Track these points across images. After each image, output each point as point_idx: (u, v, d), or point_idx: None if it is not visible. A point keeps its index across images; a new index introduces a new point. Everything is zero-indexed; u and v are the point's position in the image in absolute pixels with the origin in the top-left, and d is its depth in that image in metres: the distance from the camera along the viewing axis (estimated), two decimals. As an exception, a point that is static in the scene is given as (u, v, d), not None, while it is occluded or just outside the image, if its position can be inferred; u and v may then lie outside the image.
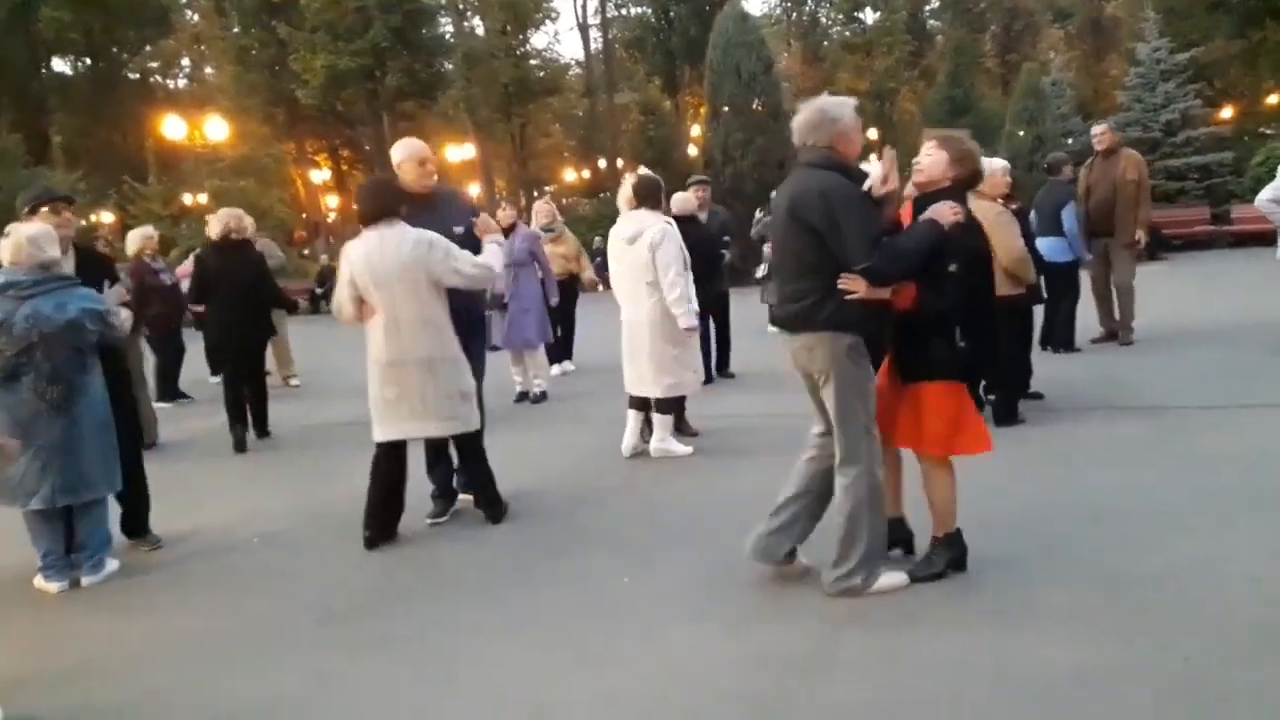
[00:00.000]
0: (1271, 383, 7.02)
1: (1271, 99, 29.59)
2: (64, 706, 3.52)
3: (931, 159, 3.87)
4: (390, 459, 5.05)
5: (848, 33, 40.94)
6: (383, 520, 5.07)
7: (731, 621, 3.78)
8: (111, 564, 4.92)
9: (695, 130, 32.41)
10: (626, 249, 6.32)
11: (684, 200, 8.63)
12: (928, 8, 44.76)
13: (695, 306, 6.38)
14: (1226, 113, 26.48)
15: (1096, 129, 9.66)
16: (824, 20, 44.30)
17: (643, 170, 7.17)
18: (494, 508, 5.32)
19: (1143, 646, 3.23)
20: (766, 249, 11.88)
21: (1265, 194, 8.18)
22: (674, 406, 6.61)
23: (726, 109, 21.09)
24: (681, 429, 6.94)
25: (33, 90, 36.56)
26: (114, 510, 5.22)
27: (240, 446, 7.89)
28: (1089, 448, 5.81)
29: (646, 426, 6.65)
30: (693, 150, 30.27)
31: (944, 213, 3.68)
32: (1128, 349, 9.08)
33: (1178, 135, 20.43)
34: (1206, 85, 21.81)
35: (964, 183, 3.94)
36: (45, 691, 3.64)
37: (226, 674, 3.69)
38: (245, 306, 8.03)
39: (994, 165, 6.35)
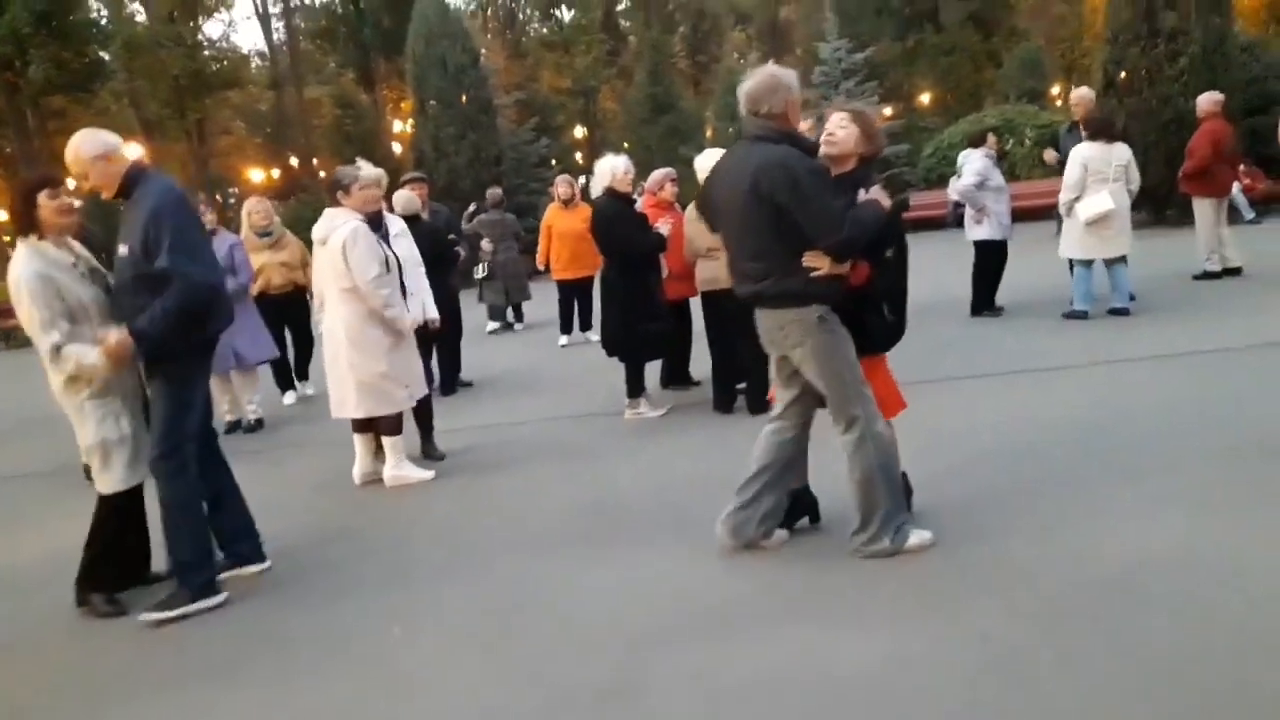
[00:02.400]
0: (969, 352, 7.61)
1: (924, 97, 33.02)
2: None
3: (846, 132, 3.79)
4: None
5: (545, 30, 41.06)
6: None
7: (524, 659, 3.31)
8: None
9: (398, 126, 31.05)
10: (320, 251, 5.57)
11: (408, 199, 7.96)
12: (619, 7, 45.86)
13: (406, 311, 5.78)
14: (891, 109, 29.16)
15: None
16: (520, 16, 44.14)
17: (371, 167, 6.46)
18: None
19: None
20: (485, 245, 11.41)
21: (966, 179, 8.86)
22: (399, 426, 5.87)
23: (434, 103, 20.20)
24: (429, 453, 6.32)
25: None
26: None
27: None
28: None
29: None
30: (398, 147, 29.00)
31: (882, 197, 3.69)
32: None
33: (859, 130, 22.03)
34: (879, 85, 23.72)
35: (871, 159, 3.90)
36: None
37: None
38: None
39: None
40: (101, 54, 29.46)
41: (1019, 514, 4.16)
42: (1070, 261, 8.68)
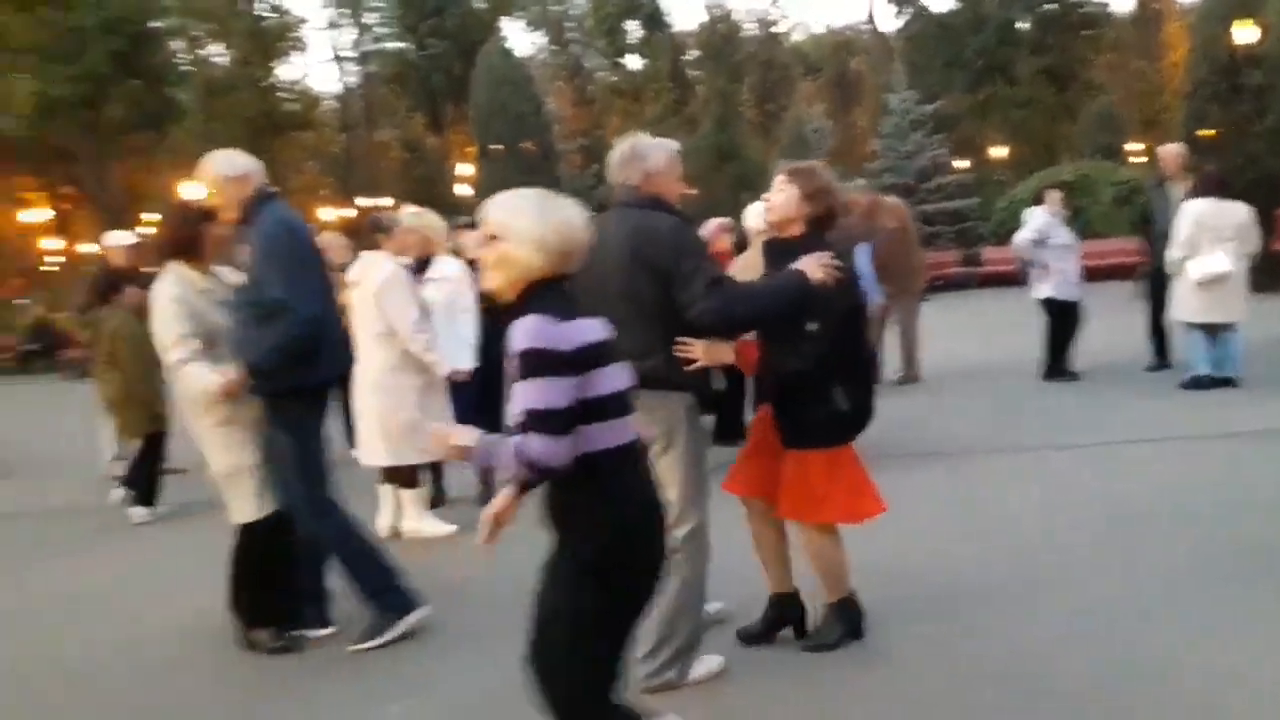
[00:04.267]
0: (1050, 421, 7.08)
1: (998, 150, 32.38)
2: None
3: (783, 195, 3.41)
4: None
5: (614, 77, 41.41)
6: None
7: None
8: None
9: (462, 169, 31.40)
10: (355, 293, 5.38)
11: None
12: (684, 57, 46.11)
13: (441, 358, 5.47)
14: (963, 162, 28.62)
15: (853, 198, 9.53)
16: (587, 65, 44.63)
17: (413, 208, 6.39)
18: None
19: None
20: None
21: (1025, 234, 8.53)
22: (414, 479, 5.62)
23: (496, 147, 20.26)
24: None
25: None
26: None
27: None
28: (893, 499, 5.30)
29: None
30: (464, 189, 29.26)
31: (812, 267, 3.17)
32: (907, 388, 9.00)
33: (930, 181, 21.61)
34: (948, 136, 23.35)
35: (819, 221, 3.42)
36: None
37: None
38: None
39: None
40: (178, 94, 30.31)
41: (1089, 613, 3.62)
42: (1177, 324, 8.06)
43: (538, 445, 2.15)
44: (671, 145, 3.46)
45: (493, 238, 2.30)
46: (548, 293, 2.27)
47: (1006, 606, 3.80)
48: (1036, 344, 8.70)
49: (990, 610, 3.77)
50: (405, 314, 5.19)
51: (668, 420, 3.23)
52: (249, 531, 4.04)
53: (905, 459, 6.29)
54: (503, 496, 2.48)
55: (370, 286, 5.23)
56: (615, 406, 2.27)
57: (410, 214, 6.40)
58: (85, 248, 25.48)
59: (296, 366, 3.82)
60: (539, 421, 2.15)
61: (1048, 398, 7.96)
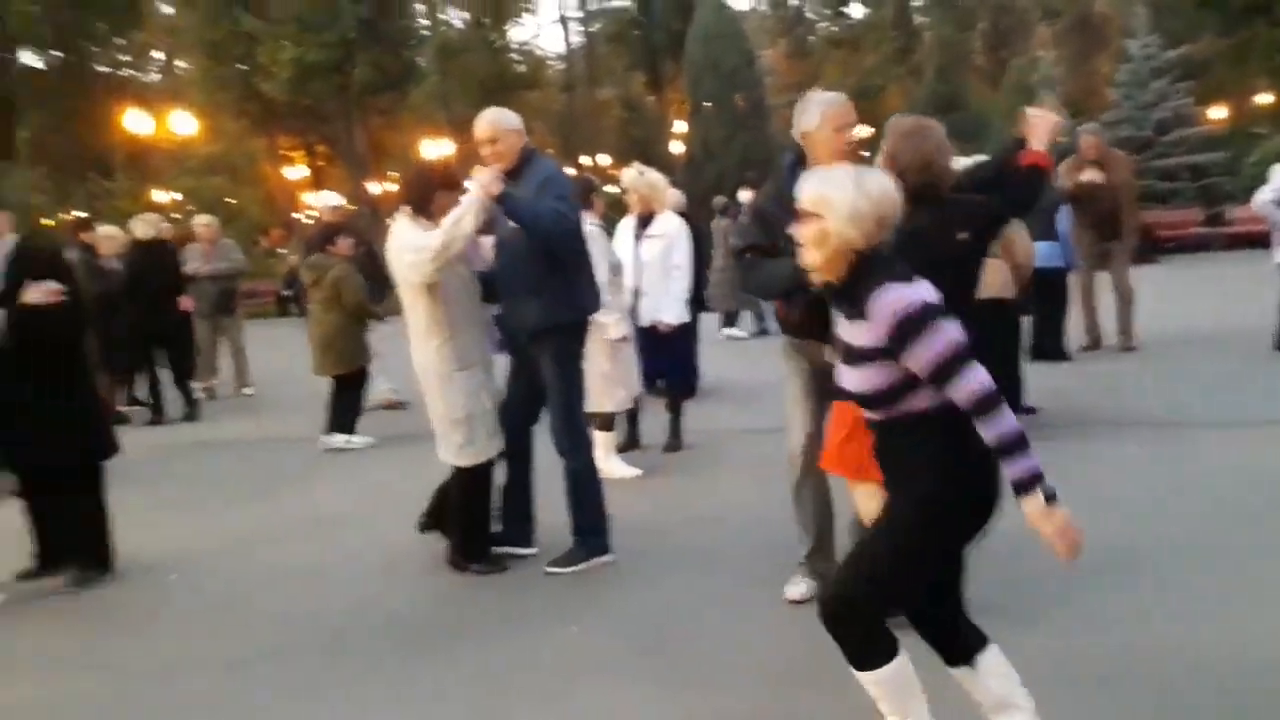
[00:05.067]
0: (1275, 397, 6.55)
1: (1262, 98, 29.15)
2: None
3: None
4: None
5: (834, 28, 40.38)
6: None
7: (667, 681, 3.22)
8: None
9: (679, 126, 31.78)
10: None
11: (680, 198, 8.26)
12: (915, 3, 44.21)
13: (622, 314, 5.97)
14: (1217, 112, 26.02)
15: (1086, 139, 9.05)
16: (809, 15, 43.70)
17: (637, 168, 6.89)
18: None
19: None
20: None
21: (1264, 194, 7.93)
22: (609, 424, 6.07)
23: (707, 104, 20.44)
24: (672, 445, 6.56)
25: (1, 86, 35.53)
26: None
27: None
28: (1096, 470, 5.17)
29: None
30: (678, 147, 29.66)
31: None
32: (1123, 356, 8.60)
33: (1170, 134, 19.93)
34: (1196, 84, 21.30)
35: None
36: None
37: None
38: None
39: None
40: (416, 58, 32.39)
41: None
42: None
43: (981, 377, 2.21)
44: (833, 99, 3.46)
45: (809, 215, 2.36)
46: (881, 262, 2.34)
47: (1181, 589, 3.70)
48: (1274, 312, 8.05)
49: (1163, 591, 3.70)
50: (596, 271, 5.54)
51: None
52: (471, 475, 4.38)
53: (1105, 427, 6.12)
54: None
55: None
56: None
57: (633, 172, 6.81)
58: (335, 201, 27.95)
59: (549, 245, 4.20)
60: (965, 358, 2.22)
61: (1276, 371, 7.40)
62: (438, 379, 4.31)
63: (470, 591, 4.34)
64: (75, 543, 4.69)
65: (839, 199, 2.32)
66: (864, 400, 2.42)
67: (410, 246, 4.19)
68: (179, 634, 4.11)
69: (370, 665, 3.62)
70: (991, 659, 2.46)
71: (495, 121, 4.31)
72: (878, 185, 2.36)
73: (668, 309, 6.67)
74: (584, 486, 4.44)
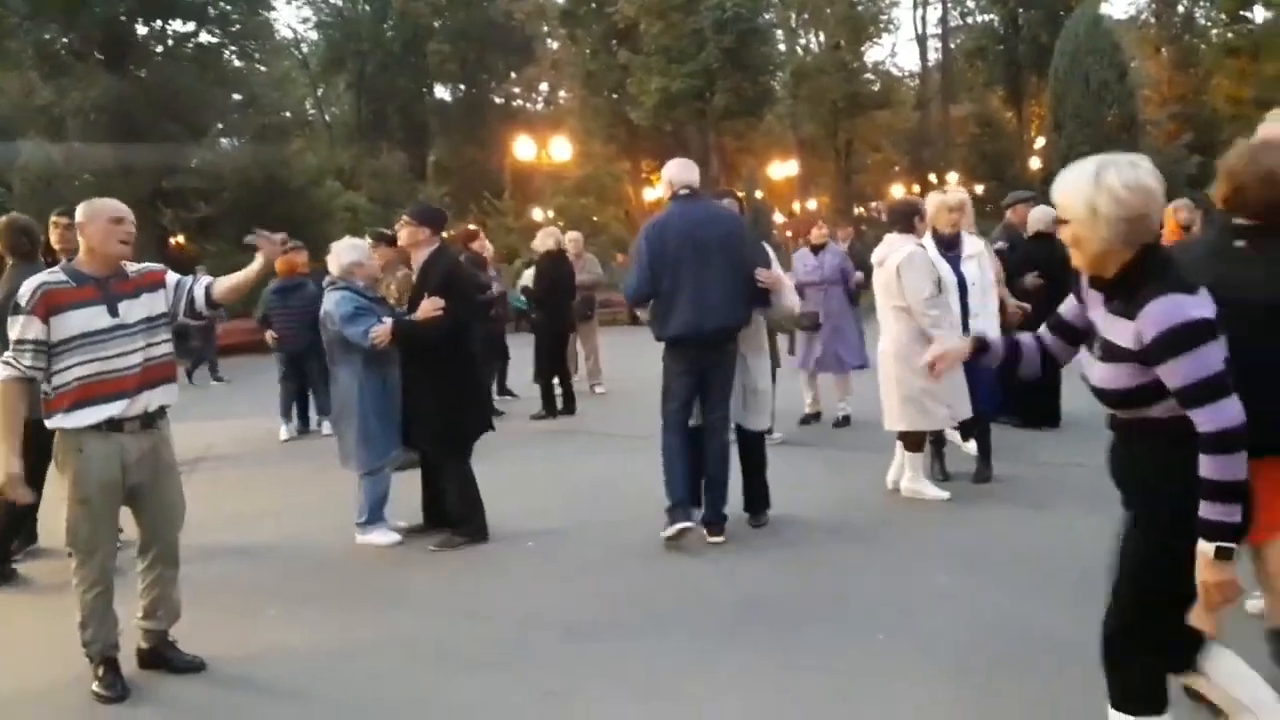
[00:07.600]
0: None
1: None
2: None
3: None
4: None
5: (1230, 34, 36.13)
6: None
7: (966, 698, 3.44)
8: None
9: (1039, 143, 30.19)
10: (878, 272, 6.11)
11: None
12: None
13: (953, 332, 5.86)
14: None
15: None
16: (1200, 21, 39.48)
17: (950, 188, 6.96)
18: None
19: None
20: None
21: None
22: (920, 444, 6.15)
23: (1072, 119, 19.43)
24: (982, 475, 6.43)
25: (417, 115, 41.59)
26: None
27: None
28: None
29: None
30: (1036, 163, 28.23)
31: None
32: None
33: None
34: None
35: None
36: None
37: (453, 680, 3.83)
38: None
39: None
40: (772, 83, 33.45)
41: None
42: None
43: (1234, 412, 2.12)
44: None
45: (1062, 220, 2.28)
46: (1159, 265, 2.20)
47: None
48: None
49: None
50: (919, 291, 5.80)
51: None
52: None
53: None
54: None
55: (891, 264, 5.92)
56: None
57: (963, 193, 6.95)
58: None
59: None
60: (1223, 386, 2.12)
61: None
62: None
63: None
64: (453, 509, 5.69)
65: (1074, 201, 2.21)
66: (1103, 396, 2.37)
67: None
68: (530, 594, 4.83)
69: (700, 648, 3.96)
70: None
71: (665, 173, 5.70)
72: (1119, 179, 2.16)
73: (992, 329, 6.70)
74: (725, 462, 5.51)
